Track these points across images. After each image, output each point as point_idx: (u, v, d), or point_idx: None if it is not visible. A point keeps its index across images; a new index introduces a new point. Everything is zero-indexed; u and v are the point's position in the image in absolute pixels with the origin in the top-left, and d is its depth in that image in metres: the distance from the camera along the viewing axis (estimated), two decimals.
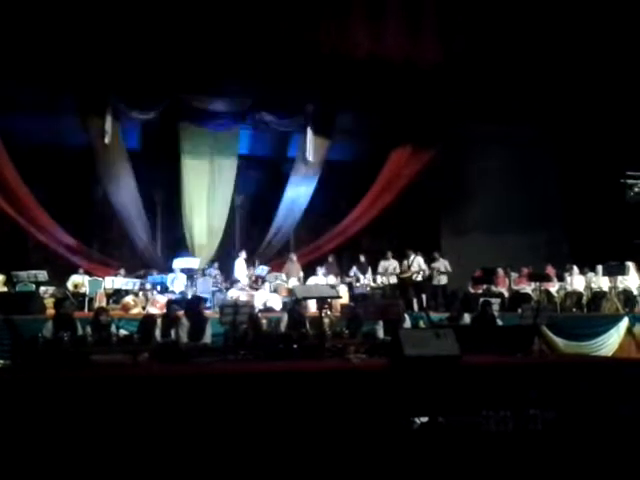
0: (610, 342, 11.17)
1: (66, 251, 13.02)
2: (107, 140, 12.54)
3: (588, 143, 14.13)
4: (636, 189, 12.68)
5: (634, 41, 12.00)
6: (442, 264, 13.08)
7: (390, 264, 13.03)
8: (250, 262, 13.12)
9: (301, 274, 12.87)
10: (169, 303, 8.45)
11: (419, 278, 12.84)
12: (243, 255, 13.04)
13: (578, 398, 5.64)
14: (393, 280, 12.88)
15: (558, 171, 15.31)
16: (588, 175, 14.20)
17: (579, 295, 12.89)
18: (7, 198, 12.44)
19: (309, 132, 13.63)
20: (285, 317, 8.57)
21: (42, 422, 4.57)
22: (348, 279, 12.96)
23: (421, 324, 9.65)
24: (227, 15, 11.38)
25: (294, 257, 13.20)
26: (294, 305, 8.84)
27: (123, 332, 8.01)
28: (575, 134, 14.35)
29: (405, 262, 12.96)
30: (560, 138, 14.84)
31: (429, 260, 13.10)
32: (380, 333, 8.29)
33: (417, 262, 12.88)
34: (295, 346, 7.21)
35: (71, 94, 12.16)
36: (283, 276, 12.63)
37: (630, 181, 12.39)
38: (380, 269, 13.06)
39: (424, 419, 5.12)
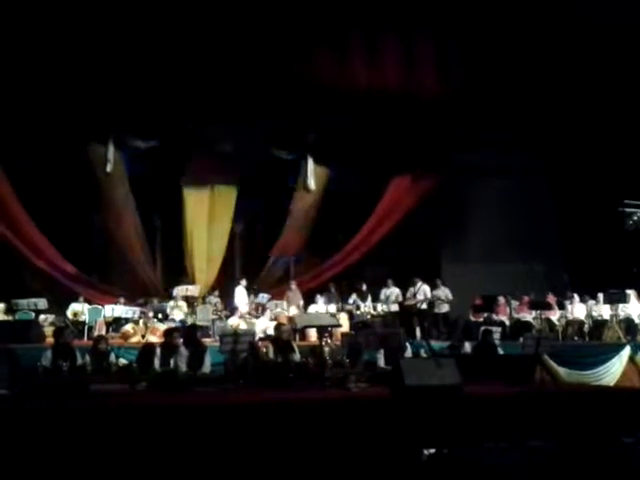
0: (612, 371, 11.07)
1: (66, 279, 13.02)
2: (109, 168, 12.66)
3: (586, 172, 14.22)
4: (635, 217, 12.72)
5: (629, 72, 12.17)
6: (443, 292, 13.06)
7: (392, 292, 13.00)
8: (250, 290, 13.11)
9: (301, 302, 12.84)
10: (170, 331, 8.41)
11: (424, 306, 12.81)
12: (243, 283, 13.03)
13: (581, 428, 5.58)
14: (394, 308, 12.84)
15: (557, 200, 15.39)
16: (586, 204, 14.26)
17: (580, 323, 12.84)
18: (8, 225, 12.51)
19: (310, 161, 13.75)
20: (270, 345, 8.51)
21: (40, 452, 4.52)
22: (348, 307, 12.93)
23: (422, 353, 9.59)
24: (228, 46, 11.56)
25: (294, 285, 13.19)
26: (278, 331, 8.79)
27: (122, 361, 7.96)
28: (573, 163, 14.46)
29: (411, 289, 12.91)
30: (558, 167, 14.95)
31: (433, 287, 13.10)
32: (381, 362, 8.24)
33: (423, 290, 12.84)
34: (293, 375, 7.15)
35: (74, 122, 12.31)
36: (284, 304, 12.60)
37: (628, 209, 12.46)
38: (382, 296, 13.02)
39: (429, 451, 5.06)
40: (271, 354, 8.20)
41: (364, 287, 13.25)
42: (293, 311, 12.16)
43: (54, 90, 11.68)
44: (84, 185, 12.93)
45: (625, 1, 10.90)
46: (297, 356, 8.10)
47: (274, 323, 11.54)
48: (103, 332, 11.06)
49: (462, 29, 12.34)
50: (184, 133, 12.92)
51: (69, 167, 12.98)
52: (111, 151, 12.66)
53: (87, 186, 12.93)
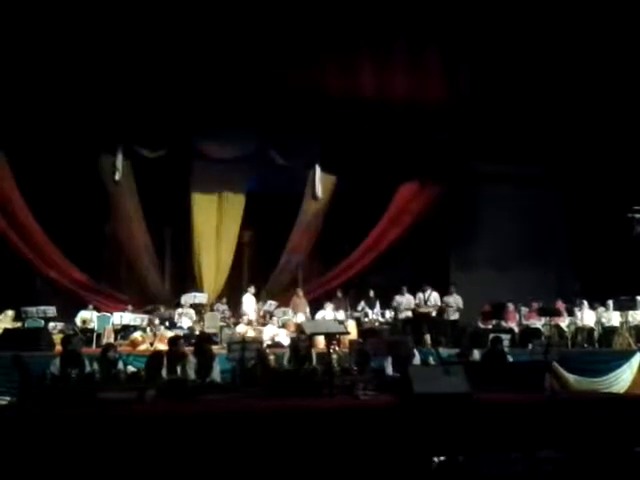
0: (623, 378, 10.98)
1: (75, 286, 13.08)
2: (118, 177, 12.73)
3: (594, 179, 14.18)
4: None
5: (637, 80, 12.13)
6: (454, 299, 13.03)
7: (405, 299, 12.97)
8: (258, 297, 13.12)
9: (307, 309, 12.85)
10: (175, 339, 8.41)
11: (434, 313, 12.80)
12: (252, 290, 13.06)
13: (591, 436, 5.54)
14: (405, 315, 12.82)
15: (565, 207, 15.35)
16: (595, 210, 14.21)
17: (590, 330, 12.76)
18: (18, 233, 12.60)
19: (317, 169, 13.78)
20: (287, 352, 8.53)
21: (48, 460, 4.54)
22: (356, 314, 12.92)
23: (430, 360, 9.55)
24: (236, 55, 11.61)
25: (301, 292, 13.22)
26: (298, 340, 8.80)
27: (131, 368, 7.97)
28: (581, 170, 14.42)
29: (421, 296, 12.90)
30: (566, 174, 14.91)
31: (443, 293, 13.07)
32: (389, 369, 8.21)
33: (433, 297, 12.85)
34: (301, 382, 7.13)
35: (83, 132, 12.40)
36: (291, 311, 12.61)
37: (637, 216, 12.41)
38: (394, 303, 12.97)
39: (439, 459, 5.03)
40: (286, 362, 8.23)
41: (372, 294, 13.25)
42: (299, 318, 12.16)
43: (64, 100, 11.78)
44: (94, 194, 13.01)
45: None
46: (313, 366, 8.09)
47: (282, 330, 11.58)
48: (111, 340, 11.10)
49: (471, 37, 12.33)
50: (192, 142, 12.97)
51: (79, 177, 13.10)
52: (120, 160, 12.73)
53: (97, 195, 13.01)
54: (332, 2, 11.44)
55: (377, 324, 12.65)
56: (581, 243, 14.92)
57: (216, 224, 13.82)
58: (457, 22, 11.99)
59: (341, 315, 12.44)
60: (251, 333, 11.30)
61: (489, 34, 12.09)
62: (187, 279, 13.79)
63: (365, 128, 13.15)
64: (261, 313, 12.71)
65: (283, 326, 11.89)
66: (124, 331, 11.53)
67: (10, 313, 11.47)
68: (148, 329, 11.52)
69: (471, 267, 14.76)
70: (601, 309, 12.90)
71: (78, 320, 12.04)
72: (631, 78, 12.20)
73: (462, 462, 5.01)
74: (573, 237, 15.26)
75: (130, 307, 12.30)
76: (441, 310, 12.91)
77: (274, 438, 4.97)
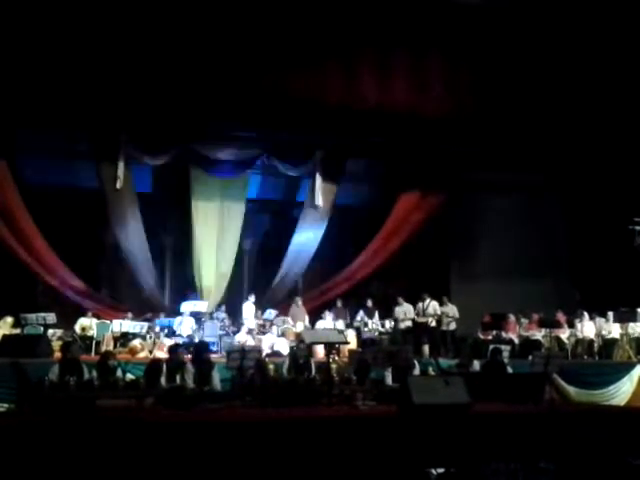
0: (623, 390, 10.96)
1: (75, 294, 13.06)
2: (119, 185, 12.72)
3: (595, 190, 14.18)
4: None
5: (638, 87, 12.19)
6: (451, 309, 13.01)
7: (405, 309, 12.94)
8: (259, 306, 13.10)
9: (306, 318, 12.81)
10: (173, 347, 8.39)
11: (433, 323, 12.77)
12: (252, 299, 13.02)
13: (591, 448, 5.52)
14: (405, 325, 12.79)
15: (566, 217, 15.35)
16: (596, 221, 14.21)
17: (590, 342, 12.73)
18: (18, 240, 12.57)
19: (318, 178, 13.80)
20: (287, 361, 8.52)
21: (46, 467, 4.52)
22: (356, 323, 12.89)
23: (430, 371, 9.53)
24: (238, 65, 11.67)
25: (299, 301, 13.17)
26: (297, 349, 8.80)
27: (129, 376, 7.95)
28: (582, 181, 14.43)
29: (420, 305, 12.87)
30: (567, 185, 14.93)
31: (438, 304, 13.05)
32: (389, 380, 8.20)
33: (432, 306, 12.82)
34: (300, 392, 7.12)
35: (85, 140, 12.42)
36: (290, 320, 12.59)
37: (638, 227, 12.41)
38: (400, 315, 12.88)
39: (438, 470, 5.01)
40: (286, 371, 8.22)
41: (370, 303, 13.22)
42: (298, 327, 12.14)
43: (65, 107, 11.76)
44: (94, 201, 13.01)
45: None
46: (312, 375, 8.08)
47: (281, 339, 11.56)
48: (111, 347, 11.08)
49: (472, 47, 12.41)
50: (192, 150, 13.00)
51: (80, 184, 13.12)
52: (121, 168, 12.73)
53: (97, 202, 13.01)
54: (334, 10, 11.52)
55: (377, 334, 12.62)
56: (581, 254, 14.90)
57: (217, 232, 13.80)
58: (458, 32, 12.07)
59: (341, 324, 12.41)
60: (251, 342, 11.28)
61: (490, 44, 12.18)
62: (188, 286, 13.77)
63: (367, 137, 13.16)
64: (260, 322, 12.68)
65: (283, 335, 11.86)
66: (123, 338, 11.51)
67: (9, 319, 11.44)
68: (147, 337, 11.50)
69: (471, 277, 14.74)
70: (601, 321, 12.87)
71: (77, 327, 12.00)
72: (631, 88, 12.26)
73: (461, 473, 4.98)
74: (573, 248, 15.24)
75: (130, 315, 12.26)
76: (439, 321, 12.88)
77: (272, 447, 4.95)
